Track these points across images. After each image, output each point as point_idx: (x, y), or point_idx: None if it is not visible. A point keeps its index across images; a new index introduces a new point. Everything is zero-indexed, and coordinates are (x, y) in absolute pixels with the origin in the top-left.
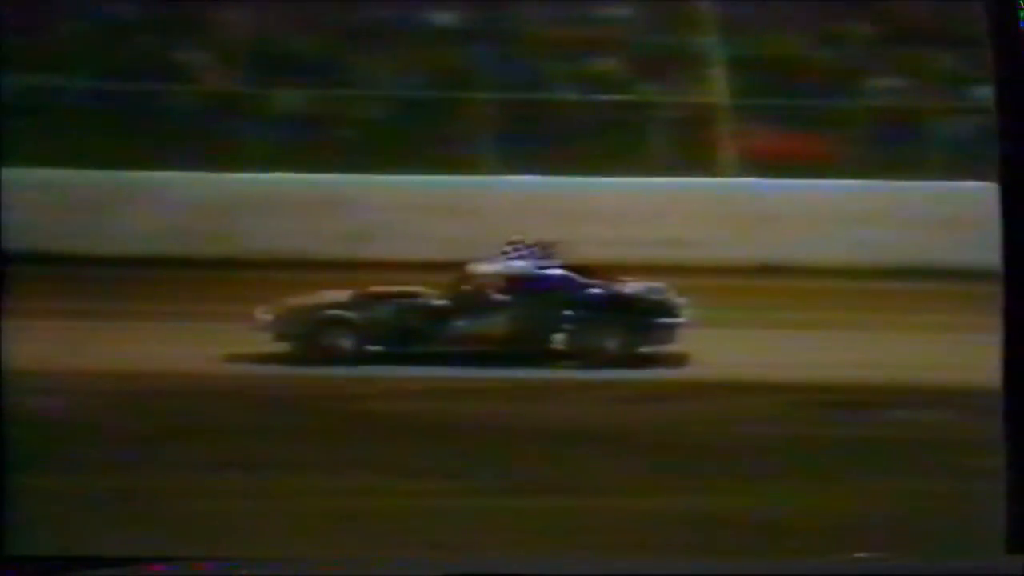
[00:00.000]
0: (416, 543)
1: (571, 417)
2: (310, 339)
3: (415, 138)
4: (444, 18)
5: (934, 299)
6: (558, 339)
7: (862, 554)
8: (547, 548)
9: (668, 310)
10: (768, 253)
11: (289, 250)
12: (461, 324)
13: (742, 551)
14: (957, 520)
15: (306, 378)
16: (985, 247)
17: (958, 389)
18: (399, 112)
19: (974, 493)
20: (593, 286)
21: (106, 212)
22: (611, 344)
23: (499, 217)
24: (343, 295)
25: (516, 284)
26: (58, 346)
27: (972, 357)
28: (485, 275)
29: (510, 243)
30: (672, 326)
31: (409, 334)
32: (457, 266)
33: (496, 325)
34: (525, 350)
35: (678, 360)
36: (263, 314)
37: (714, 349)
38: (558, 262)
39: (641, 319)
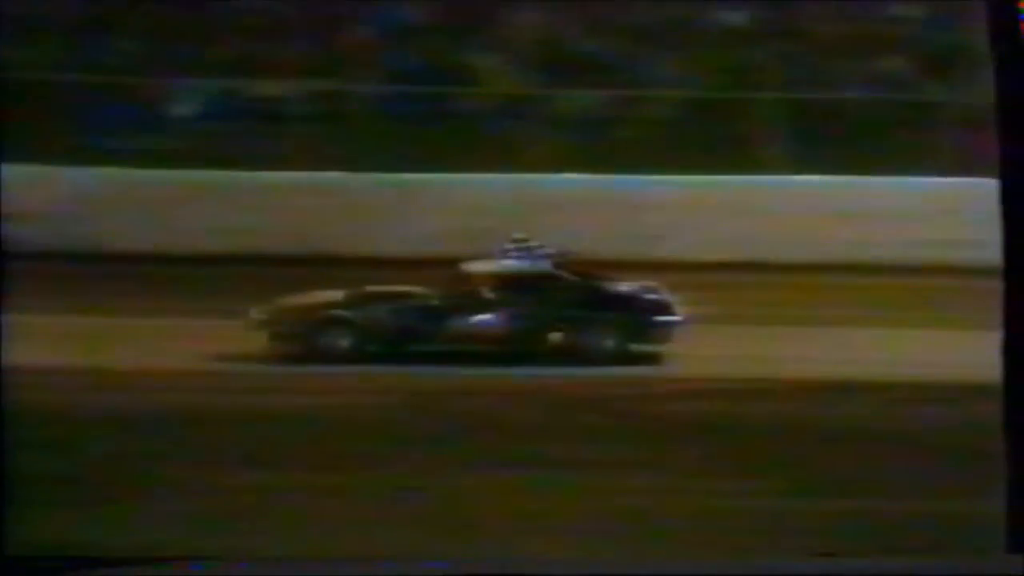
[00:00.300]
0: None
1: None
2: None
3: (703, 138)
4: (733, 18)
5: None
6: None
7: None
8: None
9: (664, 309)
10: None
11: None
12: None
13: None
14: None
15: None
16: None
17: None
18: (688, 112)
19: None
20: (583, 284)
21: (391, 214)
22: (604, 343)
23: (788, 217)
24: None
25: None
26: None
27: None
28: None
29: (512, 241)
30: (670, 325)
31: None
32: (747, 266)
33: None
34: None
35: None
36: None
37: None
38: (555, 260)
39: (640, 318)
